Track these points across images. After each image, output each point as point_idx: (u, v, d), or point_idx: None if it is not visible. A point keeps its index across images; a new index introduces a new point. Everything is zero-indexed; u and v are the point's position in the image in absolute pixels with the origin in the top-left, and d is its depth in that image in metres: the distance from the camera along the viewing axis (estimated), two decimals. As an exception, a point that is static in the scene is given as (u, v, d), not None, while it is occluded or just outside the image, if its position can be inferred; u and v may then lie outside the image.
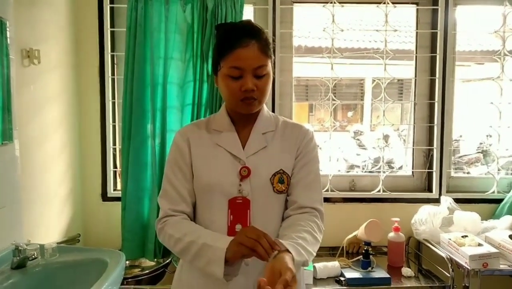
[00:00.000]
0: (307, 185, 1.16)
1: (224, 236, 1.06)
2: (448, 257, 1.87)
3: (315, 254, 1.07)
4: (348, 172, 2.55)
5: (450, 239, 1.92)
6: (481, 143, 3.52)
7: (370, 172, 2.49)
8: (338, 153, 2.39)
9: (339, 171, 2.50)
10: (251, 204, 1.12)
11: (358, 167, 3.37)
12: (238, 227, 1.11)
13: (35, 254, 1.47)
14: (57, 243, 1.61)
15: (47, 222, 1.89)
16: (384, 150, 2.40)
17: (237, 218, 1.12)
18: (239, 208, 1.12)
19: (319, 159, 1.24)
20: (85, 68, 2.18)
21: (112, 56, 2.23)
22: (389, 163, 3.03)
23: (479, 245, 1.85)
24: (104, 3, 2.16)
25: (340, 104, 2.30)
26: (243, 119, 1.19)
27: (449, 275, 1.86)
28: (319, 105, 2.42)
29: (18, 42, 1.63)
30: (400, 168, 2.70)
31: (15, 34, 1.59)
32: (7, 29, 1.51)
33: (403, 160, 2.60)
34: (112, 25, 2.22)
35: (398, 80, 2.36)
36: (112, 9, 2.21)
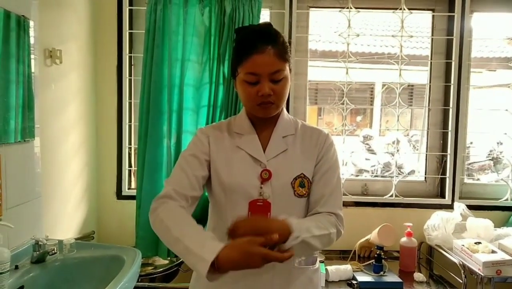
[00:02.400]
0: (328, 192, 1.16)
1: (211, 242, 0.96)
2: (461, 263, 1.87)
3: (317, 234, 1.05)
4: (357, 176, 2.55)
5: (463, 245, 1.92)
6: (491, 151, 3.50)
7: (382, 176, 2.49)
8: (347, 157, 2.41)
9: (351, 175, 2.51)
10: (271, 207, 1.13)
11: (367, 171, 3.37)
12: None
13: (55, 249, 1.51)
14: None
15: (64, 219, 1.92)
16: (396, 155, 2.40)
17: None
18: (259, 210, 1.12)
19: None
20: (103, 69, 2.22)
21: (130, 58, 2.27)
22: (399, 168, 3.02)
23: (493, 252, 1.85)
24: (124, 6, 2.20)
25: (349, 109, 2.31)
26: (264, 122, 1.20)
27: (461, 281, 1.86)
28: (332, 109, 2.43)
29: (41, 42, 1.67)
30: (410, 173, 2.69)
31: (39, 34, 1.63)
32: (31, 28, 1.55)
33: (412, 165, 2.59)
34: (130, 27, 2.26)
35: (409, 85, 2.36)
36: (131, 11, 2.25)
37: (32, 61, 1.56)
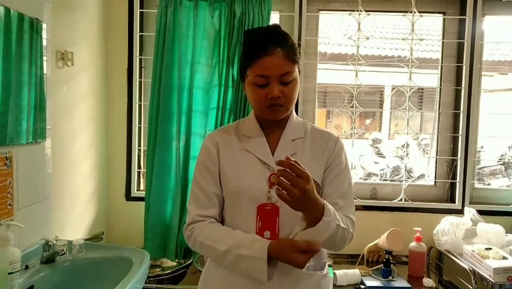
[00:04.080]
0: (340, 197, 1.15)
1: (257, 244, 1.06)
2: (471, 269, 1.85)
3: (342, 226, 1.06)
4: (365, 180, 2.54)
5: (473, 251, 1.89)
6: (502, 155, 3.47)
7: (392, 180, 2.47)
8: (356, 161, 2.40)
9: (360, 178, 2.49)
10: (280, 211, 1.12)
11: (376, 175, 3.35)
12: (267, 233, 1.11)
13: (64, 249, 1.52)
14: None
15: (73, 220, 1.93)
16: (405, 158, 2.39)
17: (266, 225, 1.12)
18: (268, 215, 1.12)
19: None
20: (114, 71, 2.24)
21: (140, 60, 2.28)
22: (408, 172, 3.00)
23: (504, 258, 1.82)
24: (134, 8, 2.21)
25: (358, 112, 2.30)
26: (272, 125, 1.20)
27: (471, 288, 1.83)
28: (341, 112, 2.42)
29: (53, 44, 1.69)
30: (419, 177, 2.67)
31: (52, 36, 1.65)
32: (43, 31, 1.57)
33: (422, 169, 2.57)
34: (141, 30, 2.28)
35: (418, 88, 2.35)
36: (141, 14, 2.26)
37: (44, 63, 1.58)
